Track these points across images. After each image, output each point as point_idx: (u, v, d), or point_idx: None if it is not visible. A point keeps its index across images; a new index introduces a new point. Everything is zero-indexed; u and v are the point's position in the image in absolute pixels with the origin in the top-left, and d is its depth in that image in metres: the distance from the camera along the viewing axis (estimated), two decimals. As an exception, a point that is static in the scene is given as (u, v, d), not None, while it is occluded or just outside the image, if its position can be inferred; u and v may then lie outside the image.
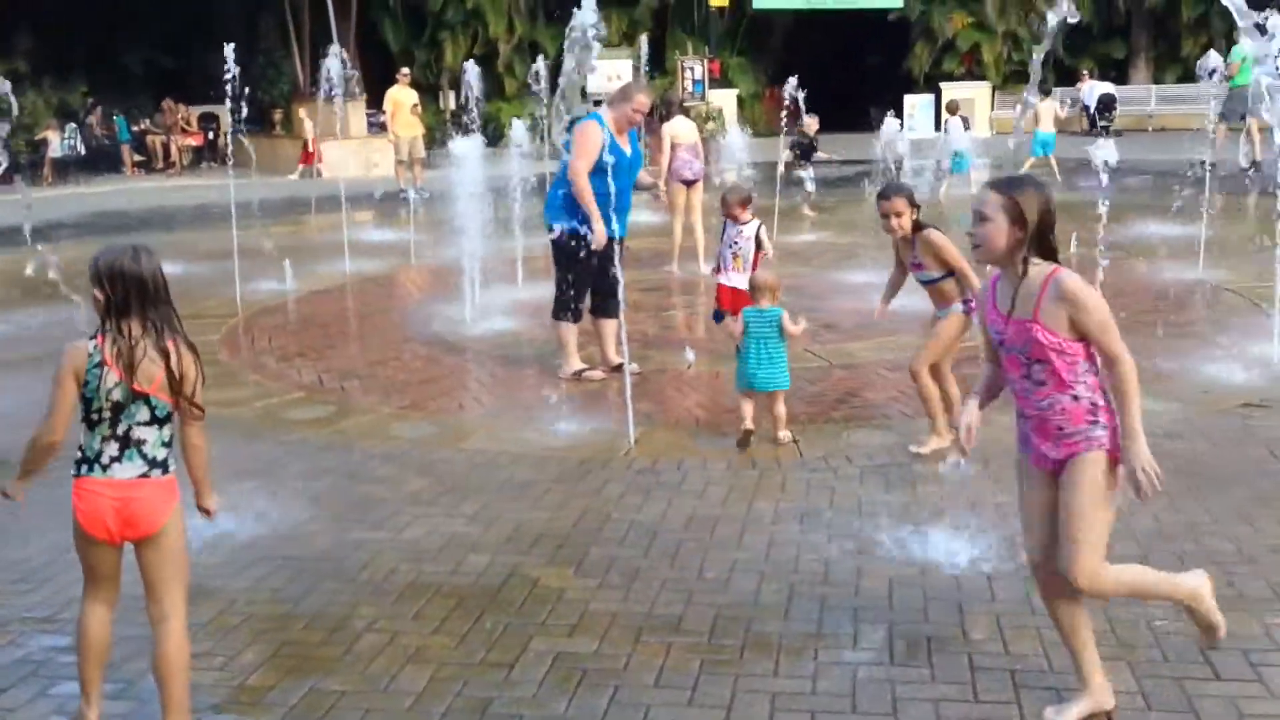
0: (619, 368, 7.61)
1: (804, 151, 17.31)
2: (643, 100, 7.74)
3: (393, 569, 4.96)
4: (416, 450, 6.57)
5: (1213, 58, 14.87)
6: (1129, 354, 3.44)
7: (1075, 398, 3.48)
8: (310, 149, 24.34)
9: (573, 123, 7.78)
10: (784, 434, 6.46)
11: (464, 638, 4.33)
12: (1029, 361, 3.52)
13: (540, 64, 15.95)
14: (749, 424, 6.52)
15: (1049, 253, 3.51)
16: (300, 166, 24.34)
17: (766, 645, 4.20)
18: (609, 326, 7.93)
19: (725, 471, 6.06)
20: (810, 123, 17.13)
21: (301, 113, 24.88)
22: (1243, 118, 18.29)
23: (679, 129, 12.42)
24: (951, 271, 6.07)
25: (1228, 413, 6.75)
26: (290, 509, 5.68)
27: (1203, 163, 12.00)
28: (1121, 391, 3.44)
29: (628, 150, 7.70)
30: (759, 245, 7.86)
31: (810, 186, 15.34)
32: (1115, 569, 3.59)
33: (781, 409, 6.52)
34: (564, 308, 7.86)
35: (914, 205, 6.13)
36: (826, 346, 8.56)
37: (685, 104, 16.28)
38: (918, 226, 6.13)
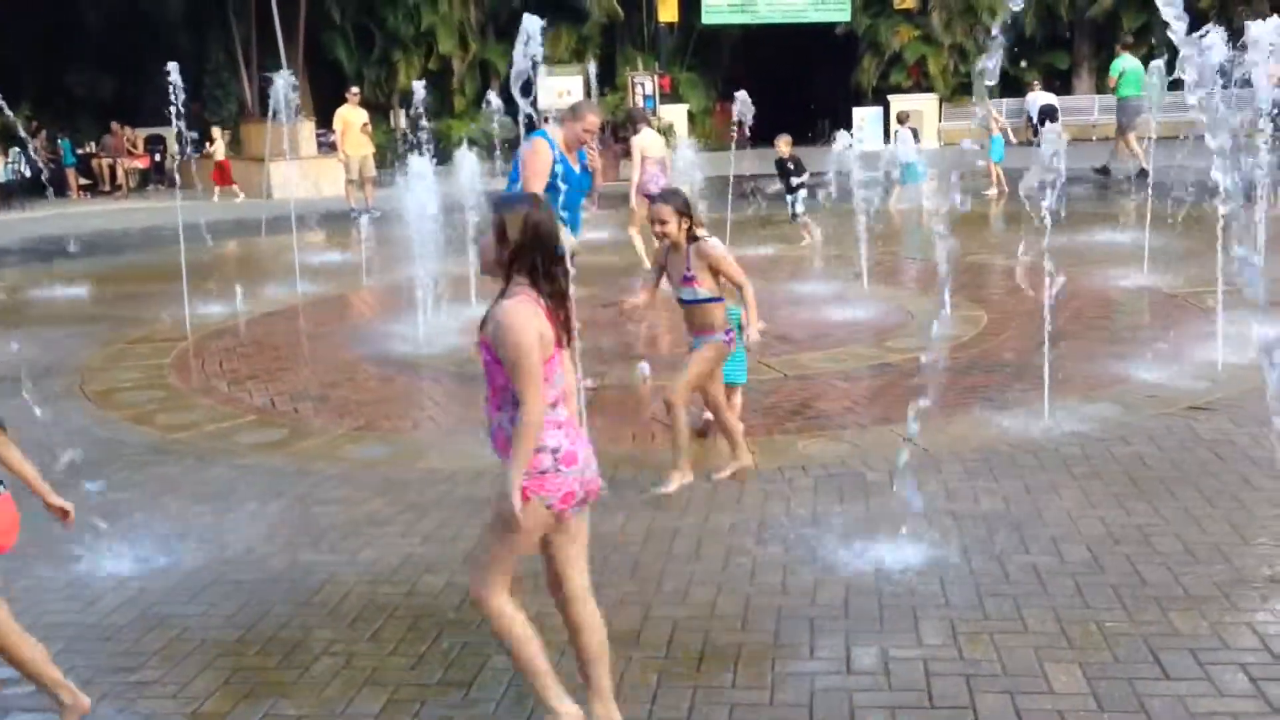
0: (573, 383, 7.60)
1: (786, 176, 16.15)
2: (593, 120, 7.76)
3: (348, 591, 4.93)
4: (371, 471, 6.53)
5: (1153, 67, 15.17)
6: (536, 405, 3.28)
7: (500, 425, 3.46)
8: (222, 169, 23.92)
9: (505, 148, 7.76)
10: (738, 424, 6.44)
11: (421, 658, 4.32)
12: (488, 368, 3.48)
13: (494, 83, 15.86)
14: (707, 416, 6.56)
15: (533, 275, 3.43)
16: (217, 188, 23.82)
17: (724, 656, 4.21)
18: (562, 342, 7.91)
19: (682, 484, 6.07)
20: (781, 144, 15.85)
21: (214, 132, 24.57)
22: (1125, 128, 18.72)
23: (648, 142, 12.34)
24: (719, 297, 5.77)
25: (1174, 415, 6.86)
26: (243, 533, 5.63)
27: (1141, 171, 12.21)
28: (513, 434, 3.34)
29: (576, 168, 7.72)
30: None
31: (800, 207, 14.80)
32: (505, 612, 3.54)
33: (738, 400, 6.61)
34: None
35: (685, 215, 5.71)
36: (780, 358, 8.61)
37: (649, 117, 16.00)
38: (693, 237, 5.74)
